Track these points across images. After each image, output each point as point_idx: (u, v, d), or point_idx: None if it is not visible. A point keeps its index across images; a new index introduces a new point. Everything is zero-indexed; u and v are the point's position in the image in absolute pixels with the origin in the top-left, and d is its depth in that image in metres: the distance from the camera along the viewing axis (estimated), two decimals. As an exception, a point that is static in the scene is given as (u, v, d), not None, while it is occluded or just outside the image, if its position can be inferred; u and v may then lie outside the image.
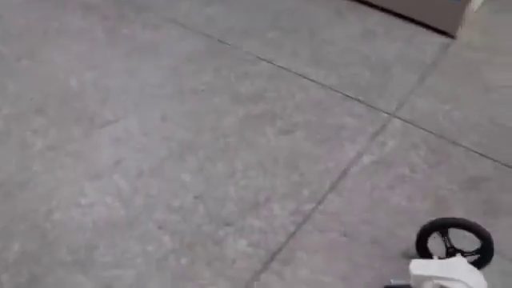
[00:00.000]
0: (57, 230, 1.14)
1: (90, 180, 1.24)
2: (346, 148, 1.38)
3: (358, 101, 1.54)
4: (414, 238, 1.15)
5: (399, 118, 1.50)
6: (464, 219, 1.05)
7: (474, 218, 1.17)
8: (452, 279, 0.96)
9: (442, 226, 1.06)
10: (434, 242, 1.09)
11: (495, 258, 1.06)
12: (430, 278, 0.97)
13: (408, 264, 1.10)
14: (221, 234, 1.14)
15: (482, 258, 1.06)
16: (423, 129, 1.47)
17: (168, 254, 1.10)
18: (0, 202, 1.19)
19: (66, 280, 1.06)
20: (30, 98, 1.44)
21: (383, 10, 1.95)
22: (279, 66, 1.64)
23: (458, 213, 1.24)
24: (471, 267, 1.01)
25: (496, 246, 1.04)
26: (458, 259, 1.03)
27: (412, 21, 1.92)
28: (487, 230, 1.04)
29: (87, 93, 1.47)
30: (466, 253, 1.05)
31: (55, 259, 1.09)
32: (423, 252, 1.09)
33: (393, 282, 1.06)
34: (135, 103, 1.46)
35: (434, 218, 1.07)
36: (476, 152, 1.41)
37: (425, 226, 1.07)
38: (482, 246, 1.04)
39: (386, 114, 1.51)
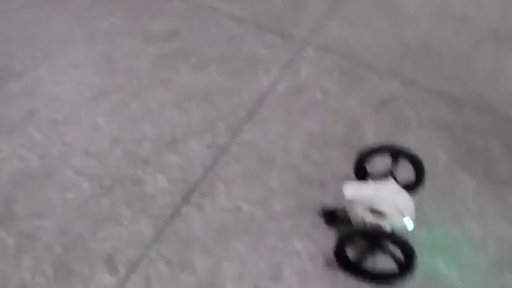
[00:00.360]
0: (-28, 187, 1.13)
1: (3, 135, 1.22)
2: (260, 78, 1.40)
3: (272, 31, 1.55)
4: (330, 161, 1.21)
5: (312, 45, 1.52)
6: (402, 147, 1.09)
7: (384, 136, 1.23)
8: (379, 200, 1.01)
9: (378, 151, 1.10)
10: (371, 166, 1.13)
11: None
12: (359, 199, 1.02)
13: (322, 186, 1.15)
14: (139, 174, 1.16)
15: (414, 182, 1.11)
16: (335, 54, 1.50)
17: (88, 199, 1.11)
18: None
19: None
20: None
21: None
22: (193, 3, 1.62)
23: (369, 133, 1.29)
24: (400, 189, 1.06)
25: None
26: (389, 182, 1.08)
27: None
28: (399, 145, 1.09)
29: None
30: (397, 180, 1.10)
31: (-27, 217, 1.08)
32: (360, 175, 1.13)
33: (327, 205, 1.10)
34: (44, 52, 1.42)
35: (373, 144, 1.11)
36: (386, 73, 1.46)
37: (364, 149, 1.10)
38: (416, 173, 1.10)
39: (298, 43, 1.53)
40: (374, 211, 1.00)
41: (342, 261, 1.02)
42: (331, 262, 1.03)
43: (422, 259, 1.05)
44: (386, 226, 0.99)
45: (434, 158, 1.26)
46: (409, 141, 1.29)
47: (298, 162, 1.21)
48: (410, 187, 1.11)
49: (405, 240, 0.96)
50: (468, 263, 1.07)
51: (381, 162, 1.09)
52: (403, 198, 1.03)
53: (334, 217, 1.10)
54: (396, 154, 1.09)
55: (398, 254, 0.97)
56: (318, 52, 1.50)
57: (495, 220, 1.15)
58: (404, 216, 1.00)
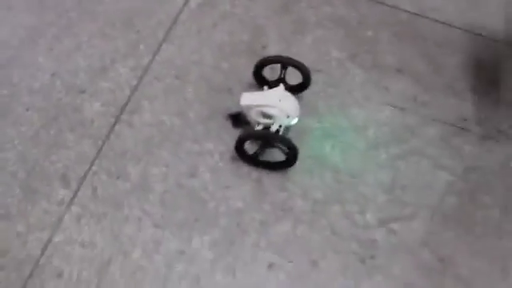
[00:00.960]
0: None
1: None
2: (175, -1, 1.58)
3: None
4: (237, 69, 1.43)
5: None
6: (288, 57, 1.31)
7: (284, 39, 1.44)
8: (268, 105, 1.25)
9: (270, 62, 1.33)
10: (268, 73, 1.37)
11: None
12: (253, 106, 1.26)
13: (230, 93, 1.39)
14: (78, 102, 1.40)
15: (302, 87, 1.36)
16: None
17: (39, 129, 1.36)
18: None
19: None
20: None
21: None
22: None
23: (272, 37, 1.50)
24: (287, 94, 1.29)
25: (299, 59, 1.32)
26: (279, 88, 1.31)
27: None
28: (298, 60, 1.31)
29: None
30: (288, 84, 1.34)
31: None
32: (259, 82, 1.37)
33: (232, 110, 1.35)
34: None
35: (266, 56, 1.33)
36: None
37: (258, 61, 1.33)
38: (303, 78, 1.33)
39: None
40: (265, 115, 1.26)
41: (242, 156, 1.30)
42: (236, 158, 1.31)
43: (312, 145, 1.33)
44: (275, 126, 1.26)
45: (328, 53, 1.48)
46: (307, 41, 1.50)
47: (210, 73, 1.44)
48: (300, 89, 1.36)
49: (287, 138, 1.22)
50: (350, 146, 1.35)
51: (276, 70, 1.33)
52: (289, 101, 1.29)
53: (238, 119, 1.35)
54: (284, 63, 1.32)
55: (285, 148, 1.24)
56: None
57: (377, 106, 1.41)
58: (289, 116, 1.26)
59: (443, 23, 1.58)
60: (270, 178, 1.29)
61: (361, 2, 1.59)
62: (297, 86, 1.36)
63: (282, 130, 1.26)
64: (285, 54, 1.34)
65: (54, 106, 1.40)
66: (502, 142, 1.37)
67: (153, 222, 1.23)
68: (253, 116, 1.28)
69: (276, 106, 1.26)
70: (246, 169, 1.31)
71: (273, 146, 1.27)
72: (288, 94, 1.30)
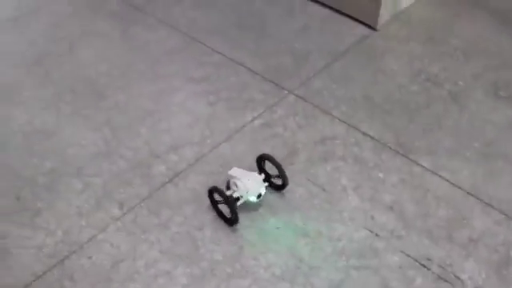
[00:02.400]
0: None
1: None
2: (247, 114, 2.14)
3: (271, 81, 2.28)
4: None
5: (294, 94, 2.22)
6: (275, 161, 1.80)
7: (310, 161, 1.92)
8: (238, 179, 1.74)
9: (266, 159, 1.82)
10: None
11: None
12: (232, 176, 1.76)
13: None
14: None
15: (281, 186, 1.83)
16: (307, 101, 2.18)
17: None
18: None
19: None
20: (67, 81, 2.34)
21: (328, 6, 2.61)
22: (227, 57, 2.40)
23: (301, 158, 1.97)
24: (259, 180, 1.77)
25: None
26: (256, 174, 1.79)
27: (345, 15, 2.58)
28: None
29: (99, 80, 2.34)
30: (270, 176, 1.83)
31: None
32: (259, 170, 1.84)
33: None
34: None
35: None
36: (338, 119, 2.11)
37: (260, 155, 1.83)
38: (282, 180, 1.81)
39: (286, 91, 2.23)
40: (234, 184, 1.75)
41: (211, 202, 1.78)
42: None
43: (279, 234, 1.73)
44: (236, 194, 1.74)
45: (338, 180, 1.90)
46: (326, 167, 1.94)
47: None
48: (280, 187, 1.84)
49: (233, 205, 1.71)
50: (317, 247, 1.72)
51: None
52: (254, 184, 1.76)
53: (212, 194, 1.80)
54: (272, 163, 1.80)
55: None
56: (296, 99, 2.19)
57: (357, 228, 1.78)
58: (247, 192, 1.74)
59: (453, 184, 1.90)
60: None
61: (386, 151, 2.00)
62: (278, 185, 1.83)
63: (241, 200, 1.75)
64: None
65: None
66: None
67: None
68: (230, 183, 1.78)
69: (242, 181, 1.74)
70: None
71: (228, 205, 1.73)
72: (259, 180, 1.77)
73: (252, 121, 2.10)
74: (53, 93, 2.27)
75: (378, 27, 2.53)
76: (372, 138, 2.02)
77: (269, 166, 1.82)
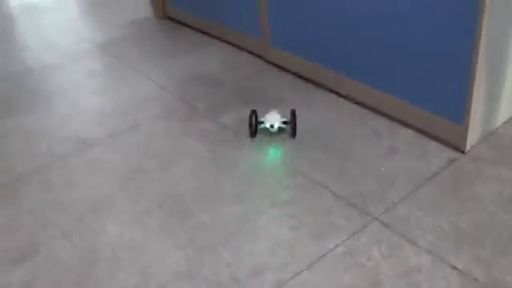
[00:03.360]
0: None
1: None
2: (329, 241, 2.11)
3: (355, 206, 2.26)
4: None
5: (379, 221, 2.18)
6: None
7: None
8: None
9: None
10: None
11: None
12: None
13: None
14: None
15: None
16: (392, 230, 2.14)
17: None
18: None
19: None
20: (157, 196, 2.45)
21: (413, 127, 2.61)
22: (311, 179, 2.43)
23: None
24: (275, 115, 2.70)
25: None
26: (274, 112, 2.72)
27: (433, 137, 2.56)
28: None
29: (187, 196, 2.43)
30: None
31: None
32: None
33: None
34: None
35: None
36: (425, 249, 2.04)
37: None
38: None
39: (370, 218, 2.20)
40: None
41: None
42: None
43: None
44: (267, 124, 2.66)
45: None
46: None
47: (325, 302, 1.89)
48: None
49: (253, 128, 2.67)
50: None
51: None
52: (272, 118, 2.63)
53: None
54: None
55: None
56: (380, 227, 2.15)
57: None
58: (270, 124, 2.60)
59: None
60: None
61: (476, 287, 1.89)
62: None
63: (270, 128, 2.65)
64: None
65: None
66: None
67: None
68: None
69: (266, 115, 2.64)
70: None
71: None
72: (277, 117, 2.69)
73: (334, 248, 2.07)
74: (143, 208, 2.37)
75: (466, 150, 2.48)
76: (460, 271, 1.93)
77: None
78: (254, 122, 2.65)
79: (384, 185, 2.35)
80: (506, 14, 2.30)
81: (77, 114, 3.20)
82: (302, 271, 2.00)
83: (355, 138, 2.67)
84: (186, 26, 4.16)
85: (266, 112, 2.70)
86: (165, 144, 2.80)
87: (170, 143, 2.80)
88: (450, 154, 2.50)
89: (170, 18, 4.29)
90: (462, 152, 2.49)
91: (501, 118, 2.62)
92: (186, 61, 3.65)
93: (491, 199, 2.22)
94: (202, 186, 2.47)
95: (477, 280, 1.90)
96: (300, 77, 3.24)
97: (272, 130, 2.65)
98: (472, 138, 2.46)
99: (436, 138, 2.58)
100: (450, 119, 2.48)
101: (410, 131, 2.67)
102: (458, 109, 2.42)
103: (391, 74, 2.69)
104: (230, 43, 3.72)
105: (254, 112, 2.65)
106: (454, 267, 1.95)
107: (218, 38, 3.83)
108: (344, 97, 2.99)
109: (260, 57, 3.49)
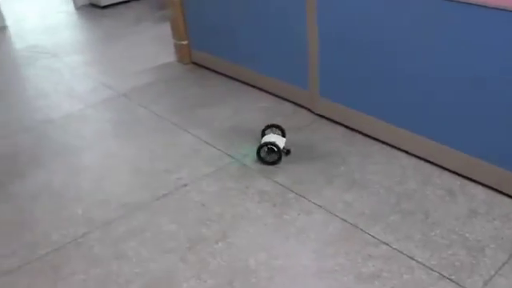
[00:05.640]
0: None
1: None
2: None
3: (450, 280, 2.09)
4: None
5: (480, 297, 2.02)
6: None
7: None
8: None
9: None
10: None
11: None
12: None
13: None
14: None
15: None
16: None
17: None
18: None
19: None
20: (224, 273, 2.23)
21: (488, 186, 2.47)
22: (394, 249, 2.25)
23: None
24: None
25: None
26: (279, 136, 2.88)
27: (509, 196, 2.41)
28: None
29: (260, 272, 2.22)
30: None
31: None
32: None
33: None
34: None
35: None
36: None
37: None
38: None
39: (470, 293, 2.03)
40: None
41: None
42: None
43: None
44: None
45: None
46: None
47: None
48: None
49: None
50: None
51: None
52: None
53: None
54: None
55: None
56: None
57: None
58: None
59: None
60: None
61: None
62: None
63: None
64: None
65: None
66: None
67: None
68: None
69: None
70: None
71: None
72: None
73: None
74: (211, 286, 2.15)
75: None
76: None
77: None
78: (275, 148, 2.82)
79: (474, 254, 2.20)
80: None
81: (110, 171, 2.98)
82: None
83: (428, 198, 2.51)
84: (213, 71, 3.99)
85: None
86: (221, 208, 2.59)
87: (227, 206, 2.59)
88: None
89: (195, 63, 4.10)
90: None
91: None
92: (223, 111, 3.47)
93: None
94: (274, 258, 2.27)
95: None
96: (352, 129, 3.08)
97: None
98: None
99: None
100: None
101: (482, 189, 2.52)
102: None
103: (458, 129, 2.55)
104: (268, 92, 3.55)
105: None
106: None
107: (253, 86, 3.66)
108: (403, 151, 2.84)
109: (305, 107, 3.32)
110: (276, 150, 2.79)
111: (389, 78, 2.74)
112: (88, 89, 3.99)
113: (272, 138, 2.82)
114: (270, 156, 2.82)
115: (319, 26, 2.93)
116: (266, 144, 2.79)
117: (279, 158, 2.81)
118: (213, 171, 2.86)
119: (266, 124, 2.99)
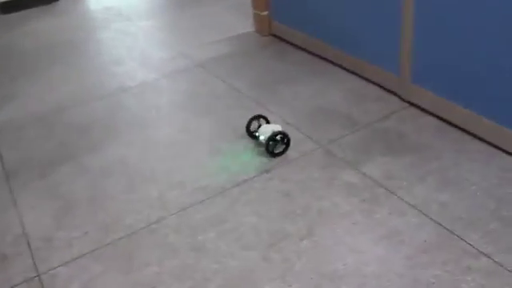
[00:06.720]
0: None
1: None
2: None
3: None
4: None
5: None
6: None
7: None
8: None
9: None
10: None
11: None
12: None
13: None
14: None
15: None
16: None
17: None
18: None
19: None
20: (310, 277, 2.12)
21: None
22: (496, 262, 2.08)
23: None
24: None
25: None
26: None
27: None
28: None
29: (349, 278, 2.10)
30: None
31: None
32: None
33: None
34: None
35: None
36: None
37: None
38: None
39: None
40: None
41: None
42: None
43: None
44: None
45: None
46: None
47: None
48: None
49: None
50: None
51: None
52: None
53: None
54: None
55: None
56: None
57: None
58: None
59: None
60: None
61: None
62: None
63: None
64: None
65: None
66: None
67: None
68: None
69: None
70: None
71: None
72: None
73: None
74: (297, 289, 2.04)
75: None
76: None
77: None
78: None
79: None
80: None
81: (186, 149, 2.87)
82: None
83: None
84: (293, 45, 3.80)
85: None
86: (306, 200, 2.46)
87: (312, 199, 2.46)
88: None
89: (274, 36, 3.92)
90: None
91: None
92: (305, 89, 3.30)
93: None
94: (366, 263, 2.13)
95: None
96: (445, 121, 2.86)
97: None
98: None
99: None
100: None
101: None
102: None
103: None
104: (354, 73, 3.35)
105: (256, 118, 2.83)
106: None
107: (337, 65, 3.47)
108: (504, 150, 2.62)
109: (393, 93, 3.12)
110: (286, 139, 2.71)
111: (494, 69, 2.50)
112: (163, 57, 3.90)
113: (271, 127, 2.73)
114: (277, 147, 2.72)
115: (416, 5, 2.70)
116: (276, 134, 2.67)
117: (287, 147, 2.73)
118: (296, 157, 2.73)
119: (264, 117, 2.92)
